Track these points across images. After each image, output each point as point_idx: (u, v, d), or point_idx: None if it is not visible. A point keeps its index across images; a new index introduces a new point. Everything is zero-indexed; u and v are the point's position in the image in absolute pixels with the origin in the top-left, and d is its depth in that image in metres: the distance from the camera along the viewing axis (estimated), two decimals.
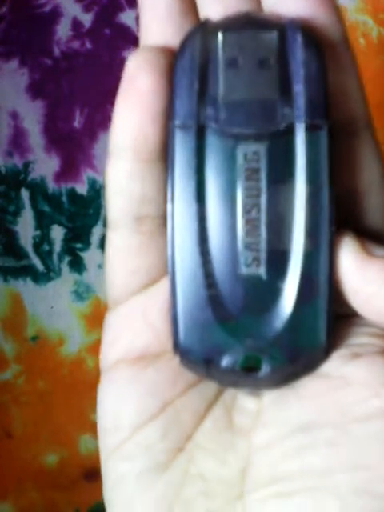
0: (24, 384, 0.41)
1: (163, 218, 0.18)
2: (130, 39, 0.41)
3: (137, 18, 0.41)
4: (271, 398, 0.19)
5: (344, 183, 0.19)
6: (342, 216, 0.18)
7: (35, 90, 0.41)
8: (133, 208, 0.18)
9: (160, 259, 0.19)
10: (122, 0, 0.41)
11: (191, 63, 0.17)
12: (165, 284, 0.19)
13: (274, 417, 0.18)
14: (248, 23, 0.18)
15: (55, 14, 0.41)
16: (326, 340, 0.18)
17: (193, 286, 0.18)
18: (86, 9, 0.41)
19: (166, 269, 0.18)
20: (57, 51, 0.41)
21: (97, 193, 0.41)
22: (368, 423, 0.17)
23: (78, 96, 0.41)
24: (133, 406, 0.18)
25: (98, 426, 0.19)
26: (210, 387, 0.19)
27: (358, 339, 0.18)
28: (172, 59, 0.18)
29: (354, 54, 0.19)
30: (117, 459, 0.19)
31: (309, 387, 0.18)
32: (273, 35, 0.17)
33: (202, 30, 0.18)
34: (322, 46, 0.18)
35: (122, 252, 0.19)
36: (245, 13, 0.18)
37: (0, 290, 0.41)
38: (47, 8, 0.41)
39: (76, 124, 0.41)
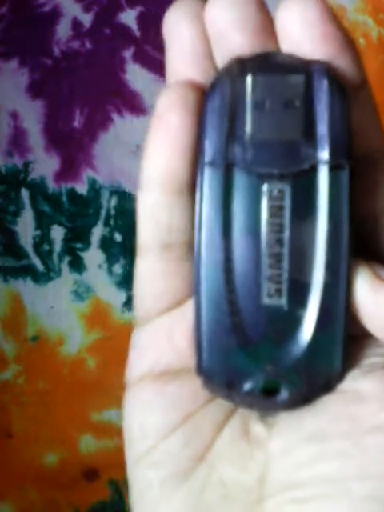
0: (24, 384, 0.41)
1: (189, 246, 0.19)
2: (130, 39, 0.41)
3: (137, 18, 0.41)
4: None
5: (362, 209, 0.19)
6: (358, 240, 0.19)
7: (35, 90, 0.41)
8: (160, 236, 0.19)
9: (185, 283, 0.20)
10: (121, 0, 0.41)
11: (221, 103, 0.18)
12: (188, 307, 0.20)
13: (288, 426, 0.19)
14: (275, 66, 0.18)
15: (55, 14, 0.41)
16: (341, 364, 0.19)
17: (217, 314, 0.19)
18: (86, 9, 0.41)
19: (190, 292, 0.19)
20: (57, 51, 0.41)
21: (97, 193, 0.41)
22: (378, 435, 0.18)
23: (78, 96, 0.41)
24: (157, 416, 0.20)
25: (125, 437, 0.20)
26: None
27: (371, 359, 0.19)
28: (200, 96, 0.19)
29: (372, 92, 0.20)
30: (144, 466, 0.20)
31: (322, 400, 0.19)
32: (299, 78, 0.18)
33: (231, 70, 0.18)
34: (346, 89, 0.18)
35: (149, 276, 0.20)
36: (273, 52, 0.18)
37: (0, 290, 0.41)
38: (47, 8, 0.41)
39: (76, 124, 0.41)
